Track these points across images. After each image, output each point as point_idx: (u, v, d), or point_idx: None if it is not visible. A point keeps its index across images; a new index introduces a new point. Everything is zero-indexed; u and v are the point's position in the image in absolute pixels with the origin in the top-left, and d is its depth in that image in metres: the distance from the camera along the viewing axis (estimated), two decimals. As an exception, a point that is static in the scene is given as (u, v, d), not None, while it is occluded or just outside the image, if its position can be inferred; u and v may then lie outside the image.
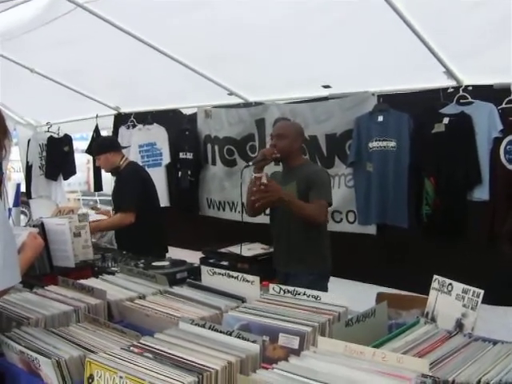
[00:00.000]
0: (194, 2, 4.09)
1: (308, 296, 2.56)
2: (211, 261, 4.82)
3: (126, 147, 5.47)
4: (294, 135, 4.19)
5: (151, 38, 4.86)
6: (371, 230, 4.93)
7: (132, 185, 4.96)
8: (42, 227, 3.51)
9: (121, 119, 7.04)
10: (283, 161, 4.24)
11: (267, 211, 4.43)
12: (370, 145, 4.79)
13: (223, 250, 4.87)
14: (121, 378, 1.78)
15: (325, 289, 3.92)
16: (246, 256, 4.63)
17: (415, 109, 4.58)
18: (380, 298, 3.65)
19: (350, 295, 2.57)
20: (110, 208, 6.80)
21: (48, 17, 4.63)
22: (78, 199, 11.82)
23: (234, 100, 5.81)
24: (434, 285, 2.59)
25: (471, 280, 2.48)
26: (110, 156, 4.91)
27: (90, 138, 7.55)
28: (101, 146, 5.03)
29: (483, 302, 2.36)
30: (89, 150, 7.32)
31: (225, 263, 4.69)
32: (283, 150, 4.11)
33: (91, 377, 1.89)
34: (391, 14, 3.65)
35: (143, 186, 5.03)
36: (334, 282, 4.15)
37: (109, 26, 4.67)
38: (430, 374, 1.72)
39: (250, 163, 4.18)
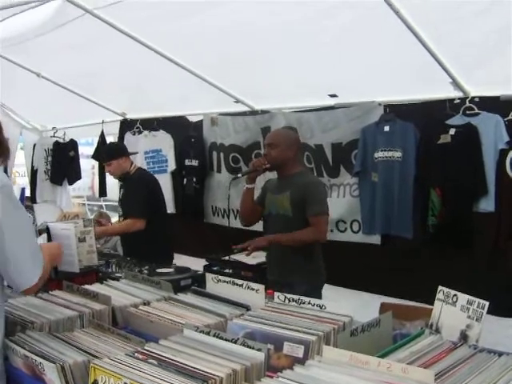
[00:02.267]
0: (201, 9, 4.10)
1: (313, 305, 2.55)
2: (215, 268, 4.81)
3: (134, 153, 5.45)
4: (286, 144, 4.10)
5: (159, 45, 4.87)
6: (376, 239, 4.93)
7: (143, 191, 4.99)
8: (47, 231, 3.51)
9: (127, 125, 7.04)
10: (277, 170, 4.19)
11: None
12: (376, 155, 4.79)
13: (227, 258, 4.86)
14: (125, 384, 1.78)
15: (319, 298, 3.91)
16: (249, 264, 4.62)
17: (421, 119, 4.58)
18: (383, 308, 3.64)
19: (354, 305, 2.57)
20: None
21: (56, 22, 4.65)
22: (84, 204, 11.82)
23: (241, 108, 5.82)
24: (439, 296, 2.58)
25: (476, 291, 2.47)
26: (122, 162, 4.91)
27: (95, 144, 7.57)
28: (112, 151, 5.00)
29: (488, 313, 2.34)
30: (95, 156, 7.35)
31: (228, 271, 4.69)
32: (275, 160, 4.07)
33: (95, 382, 1.89)
34: (398, 23, 3.66)
35: (153, 193, 5.08)
36: (337, 292, 4.15)
37: (116, 32, 4.68)
38: (436, 385, 1.71)
39: (239, 175, 4.28)
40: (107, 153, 5.00)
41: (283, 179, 4.16)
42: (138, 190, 4.99)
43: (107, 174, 5.84)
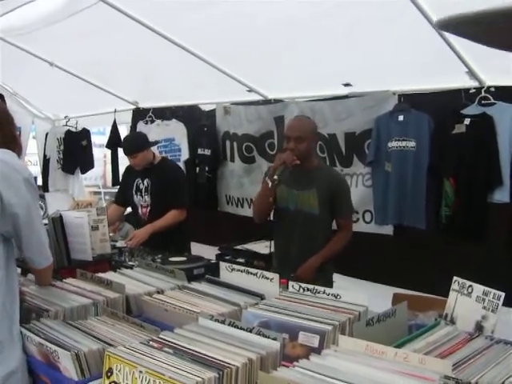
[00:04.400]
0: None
1: (328, 294, 2.54)
2: (227, 257, 4.82)
3: (156, 143, 5.43)
4: (311, 136, 3.95)
5: (172, 33, 4.85)
6: (388, 230, 4.91)
7: (184, 181, 5.09)
8: (60, 220, 3.52)
9: (139, 114, 7.04)
10: (299, 165, 3.91)
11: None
12: (390, 144, 4.77)
13: (239, 247, 4.87)
14: (140, 372, 1.78)
15: None
16: (262, 253, 4.62)
17: (436, 109, 4.54)
18: (396, 298, 3.63)
19: (366, 295, 2.55)
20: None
21: (69, 11, 4.64)
22: (99, 192, 11.83)
23: (254, 97, 5.80)
24: (454, 286, 2.56)
25: (491, 282, 2.45)
26: (147, 153, 4.89)
27: (107, 133, 7.57)
28: (138, 143, 4.92)
29: (503, 304, 2.33)
30: (109, 145, 7.35)
31: (241, 260, 4.69)
32: (303, 155, 3.84)
33: (110, 370, 1.89)
34: (414, 12, 3.62)
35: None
36: (349, 282, 4.13)
37: (129, 20, 4.66)
38: (453, 376, 1.70)
39: (275, 177, 3.83)
40: (134, 145, 4.91)
41: (305, 174, 3.94)
42: (179, 179, 5.03)
43: (120, 163, 5.82)
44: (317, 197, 3.87)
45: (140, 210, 4.99)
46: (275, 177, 3.82)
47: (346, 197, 4.00)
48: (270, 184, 3.86)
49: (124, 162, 5.77)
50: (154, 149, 6.39)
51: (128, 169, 5.22)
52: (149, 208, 4.94)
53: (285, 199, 3.99)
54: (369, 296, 2.51)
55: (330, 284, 3.95)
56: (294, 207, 3.95)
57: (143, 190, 4.95)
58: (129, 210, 5.34)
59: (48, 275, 2.78)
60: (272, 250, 4.46)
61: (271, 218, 4.15)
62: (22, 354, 2.32)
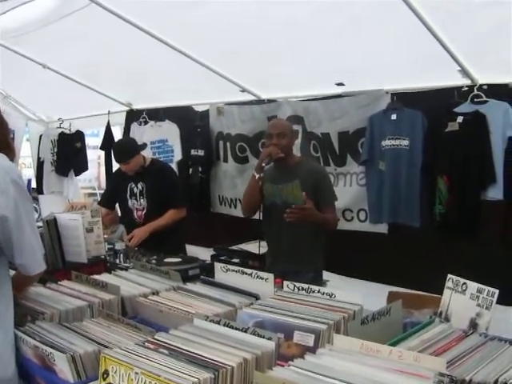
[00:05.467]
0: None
1: (322, 294, 2.55)
2: (222, 258, 4.82)
3: (145, 147, 5.44)
4: (291, 132, 4.21)
5: (164, 34, 4.85)
6: (383, 228, 4.92)
7: (178, 180, 5.20)
8: (54, 222, 3.52)
9: (133, 115, 7.04)
10: (282, 159, 4.10)
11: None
12: (383, 143, 4.78)
13: (234, 248, 4.87)
14: (136, 373, 1.78)
15: (321, 282, 4.02)
16: (257, 253, 4.62)
17: (429, 107, 4.56)
18: (391, 296, 3.64)
19: (361, 294, 2.56)
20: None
21: (61, 13, 4.64)
22: (95, 193, 11.78)
23: (247, 97, 5.81)
24: (448, 284, 2.57)
25: (485, 280, 2.46)
26: (139, 157, 4.91)
27: (100, 134, 7.56)
28: (129, 150, 4.90)
29: (497, 302, 2.34)
30: (103, 147, 7.35)
31: (236, 260, 4.69)
32: (285, 149, 4.07)
33: (106, 372, 1.89)
34: (406, 11, 3.63)
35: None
36: (343, 281, 4.14)
37: (122, 21, 4.66)
38: (448, 373, 1.71)
39: (264, 164, 4.04)
40: (125, 152, 4.89)
41: (286, 168, 4.13)
42: (175, 179, 5.12)
43: (114, 165, 5.81)
44: (300, 187, 3.98)
45: (135, 214, 5.00)
46: (263, 164, 4.04)
47: (329, 185, 4.18)
48: (256, 176, 4.07)
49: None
50: (148, 150, 6.42)
51: (118, 173, 5.22)
52: (144, 211, 4.95)
53: (271, 195, 4.13)
54: (364, 294, 2.52)
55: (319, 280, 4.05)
56: (280, 201, 4.07)
57: (138, 194, 4.95)
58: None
59: (36, 280, 2.73)
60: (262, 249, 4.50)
61: (260, 218, 4.22)
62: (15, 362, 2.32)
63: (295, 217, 3.76)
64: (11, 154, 2.57)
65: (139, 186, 4.94)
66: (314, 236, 4.05)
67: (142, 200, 4.94)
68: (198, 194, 6.37)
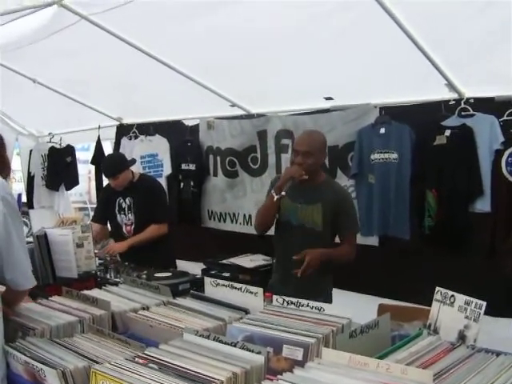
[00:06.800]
0: (195, 13, 4.10)
1: (311, 308, 2.57)
2: (213, 272, 4.83)
3: (134, 163, 5.43)
4: (320, 151, 3.84)
5: (154, 50, 4.87)
6: (373, 241, 4.93)
7: (163, 196, 5.22)
8: (45, 237, 3.53)
9: (123, 130, 7.03)
10: (306, 180, 3.77)
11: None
12: (372, 157, 4.80)
13: (225, 262, 4.88)
14: (126, 388, 1.79)
15: None
16: (247, 267, 4.64)
17: (417, 121, 4.58)
18: (381, 309, 3.65)
19: (352, 306, 2.58)
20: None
21: (52, 28, 4.64)
22: (86, 208, 11.74)
23: (237, 112, 5.82)
24: (437, 296, 2.60)
25: (473, 292, 2.49)
26: (128, 172, 4.92)
27: (91, 149, 7.55)
28: (119, 164, 4.92)
29: (485, 313, 2.36)
30: (93, 161, 7.35)
31: (226, 274, 4.70)
32: (311, 170, 3.73)
33: (96, 387, 1.90)
34: (392, 26, 3.67)
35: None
36: (335, 294, 4.14)
37: (112, 37, 4.68)
38: (434, 386, 1.73)
39: (283, 193, 3.71)
40: (114, 167, 4.90)
41: (310, 187, 3.83)
42: (160, 194, 5.13)
43: (104, 179, 5.81)
44: (321, 212, 3.77)
45: (124, 229, 5.01)
46: (283, 193, 3.71)
47: (353, 214, 3.95)
48: (275, 197, 3.73)
49: (108, 178, 5.77)
50: (138, 164, 6.42)
51: (107, 188, 5.25)
52: (133, 226, 4.96)
53: (288, 213, 3.86)
54: (354, 307, 2.54)
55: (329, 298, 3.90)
56: (296, 222, 3.83)
57: (126, 209, 4.97)
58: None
59: (25, 296, 2.76)
60: (258, 263, 4.49)
61: (273, 232, 4.02)
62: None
63: (305, 270, 3.55)
64: (6, 169, 2.59)
65: (127, 200, 4.96)
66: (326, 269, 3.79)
67: (130, 215, 4.95)
68: (190, 209, 6.37)
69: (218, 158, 6.10)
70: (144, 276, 3.81)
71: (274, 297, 2.72)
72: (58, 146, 7.79)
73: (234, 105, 5.69)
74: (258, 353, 1.98)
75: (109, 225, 5.24)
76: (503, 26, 3.45)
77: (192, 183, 6.30)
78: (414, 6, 3.53)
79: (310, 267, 3.57)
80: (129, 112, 6.79)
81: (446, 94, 4.36)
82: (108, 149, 7.36)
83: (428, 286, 2.70)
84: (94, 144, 7.38)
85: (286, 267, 3.82)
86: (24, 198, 8.54)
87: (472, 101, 4.31)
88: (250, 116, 5.79)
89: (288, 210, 3.85)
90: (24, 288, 2.57)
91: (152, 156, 6.65)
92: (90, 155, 7.82)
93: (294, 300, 2.64)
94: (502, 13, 3.35)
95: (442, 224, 4.41)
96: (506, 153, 4.15)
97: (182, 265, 5.19)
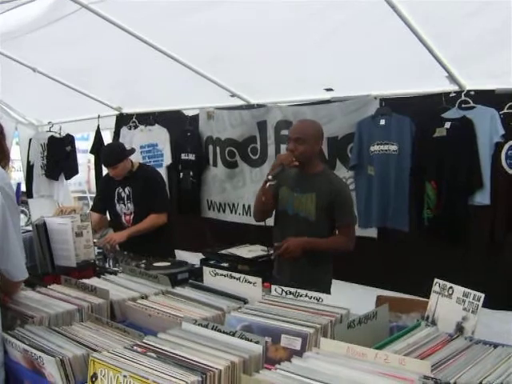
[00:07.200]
0: (197, 3, 4.09)
1: (310, 298, 2.58)
2: (211, 262, 4.82)
3: (133, 152, 5.40)
4: (314, 138, 3.80)
5: (154, 39, 4.86)
6: (372, 233, 4.94)
7: (163, 185, 5.20)
8: (44, 226, 3.52)
9: (123, 120, 7.02)
10: (300, 166, 3.80)
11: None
12: (372, 148, 4.80)
13: (223, 252, 4.88)
14: (124, 376, 1.80)
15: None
16: (246, 257, 4.64)
17: (417, 113, 4.58)
18: (380, 300, 3.66)
19: (350, 297, 2.59)
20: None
21: (52, 17, 4.63)
22: (85, 197, 11.74)
23: (237, 102, 5.82)
24: (435, 288, 2.60)
25: (472, 284, 2.49)
26: (127, 162, 4.90)
27: (90, 138, 7.54)
28: (118, 154, 4.90)
29: (483, 306, 2.37)
30: (93, 151, 7.34)
31: (225, 265, 4.70)
32: (302, 156, 3.73)
33: (95, 375, 1.91)
34: (394, 18, 3.65)
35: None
36: (334, 285, 4.15)
37: (112, 26, 4.66)
38: (432, 376, 1.73)
39: (270, 177, 3.70)
40: (113, 156, 4.89)
41: (306, 177, 3.84)
42: (159, 184, 5.11)
43: (104, 169, 5.80)
44: (315, 201, 3.75)
45: (123, 218, 5.01)
46: (270, 177, 3.70)
47: (349, 205, 3.87)
48: (267, 184, 3.74)
49: (108, 167, 5.76)
50: (138, 154, 6.41)
51: (106, 178, 5.23)
52: (132, 215, 4.96)
53: (285, 202, 3.88)
54: (352, 298, 2.55)
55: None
56: (292, 211, 3.84)
57: (125, 199, 4.96)
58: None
59: (20, 287, 2.78)
60: (257, 254, 4.49)
61: (272, 224, 4.03)
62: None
63: (282, 254, 3.66)
64: (5, 159, 2.59)
65: (126, 190, 4.95)
66: (322, 261, 3.86)
67: (129, 204, 4.95)
68: (189, 199, 6.37)
69: (218, 149, 6.10)
70: (143, 265, 3.81)
71: (273, 287, 2.73)
72: (57, 136, 7.78)
73: (234, 95, 5.68)
74: (257, 342, 1.99)
75: (108, 214, 5.23)
76: (505, 22, 3.44)
77: (192, 173, 6.30)
78: (417, -1, 3.53)
79: (287, 253, 3.66)
80: (129, 102, 6.78)
81: (447, 86, 4.35)
82: (107, 138, 7.36)
83: (426, 278, 2.71)
84: (94, 133, 7.38)
85: (285, 266, 3.88)
86: (23, 187, 8.53)
87: (472, 93, 4.30)
88: (250, 106, 5.79)
89: (285, 199, 3.88)
90: (17, 279, 2.59)
91: (152, 146, 6.64)
92: (89, 145, 7.83)
93: (293, 290, 2.64)
94: (505, 8, 3.34)
95: (441, 216, 4.41)
96: (506, 146, 4.16)
97: (181, 254, 5.20)
